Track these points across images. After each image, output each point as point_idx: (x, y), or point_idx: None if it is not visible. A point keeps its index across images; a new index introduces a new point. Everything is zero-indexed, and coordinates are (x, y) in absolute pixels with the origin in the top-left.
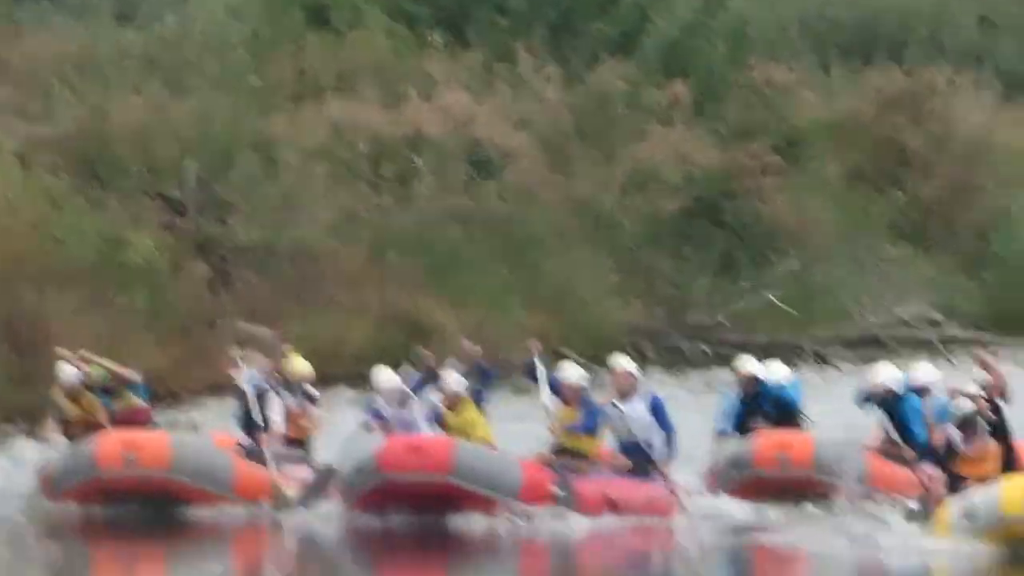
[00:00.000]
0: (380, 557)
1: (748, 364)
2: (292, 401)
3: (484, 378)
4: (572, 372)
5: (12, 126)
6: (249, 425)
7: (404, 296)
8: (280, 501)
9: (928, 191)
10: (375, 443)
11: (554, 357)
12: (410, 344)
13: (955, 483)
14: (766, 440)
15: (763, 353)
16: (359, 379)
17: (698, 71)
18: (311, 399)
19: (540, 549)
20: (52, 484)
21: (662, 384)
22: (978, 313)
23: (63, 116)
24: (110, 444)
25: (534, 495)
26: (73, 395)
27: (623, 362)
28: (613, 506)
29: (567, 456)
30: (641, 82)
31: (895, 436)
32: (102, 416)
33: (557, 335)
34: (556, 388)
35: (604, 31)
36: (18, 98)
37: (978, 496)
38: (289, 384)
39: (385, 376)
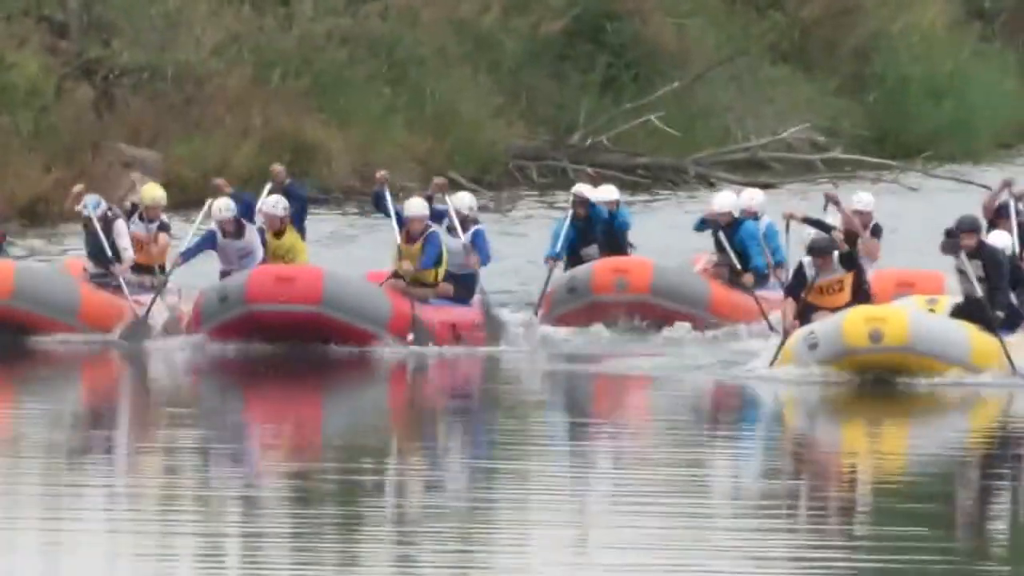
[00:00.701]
0: (244, 385)
1: (580, 187)
2: (142, 228)
3: (295, 199)
4: (416, 204)
5: None
6: (98, 254)
7: (288, 117)
8: (131, 328)
9: (808, 11)
10: (243, 272)
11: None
12: (294, 164)
13: (807, 312)
14: (604, 265)
15: (646, 174)
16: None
17: None
18: (164, 226)
19: (399, 378)
20: None
21: (550, 205)
22: (861, 134)
23: None
24: None
25: (400, 326)
26: None
27: (460, 198)
28: (455, 333)
29: (408, 284)
30: None
31: (735, 261)
32: None
33: (441, 157)
34: (401, 221)
35: None
36: None
37: (821, 326)
38: (143, 211)
39: (222, 203)
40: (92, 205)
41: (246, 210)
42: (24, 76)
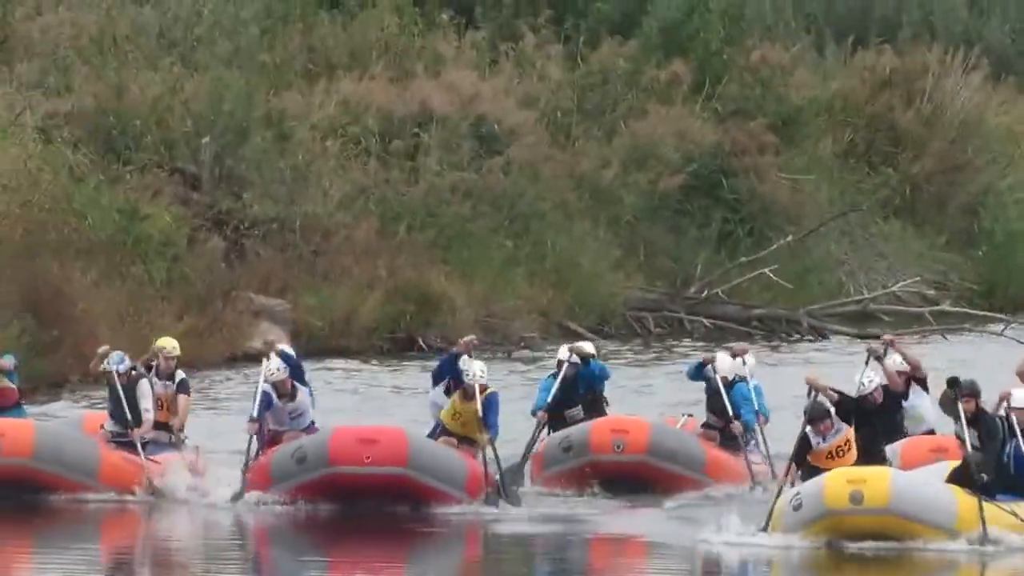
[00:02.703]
0: (303, 546)
1: (577, 345)
2: (161, 387)
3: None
4: (478, 368)
5: (33, 101)
6: (119, 414)
7: (413, 268)
8: (152, 490)
9: (919, 168)
10: (323, 433)
11: (559, 330)
12: (419, 315)
13: (810, 475)
14: (602, 424)
15: (761, 326)
16: (371, 350)
17: (697, 51)
18: (183, 386)
19: (471, 536)
20: None
21: (664, 355)
22: (970, 287)
23: (82, 92)
24: None
25: (475, 487)
26: None
27: (476, 370)
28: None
29: (459, 441)
30: (641, 61)
31: (730, 412)
32: None
33: (561, 308)
34: (459, 378)
35: (605, 11)
36: (38, 74)
37: (805, 487)
38: (159, 369)
39: (274, 365)
40: (115, 361)
41: (296, 371)
42: (157, 227)
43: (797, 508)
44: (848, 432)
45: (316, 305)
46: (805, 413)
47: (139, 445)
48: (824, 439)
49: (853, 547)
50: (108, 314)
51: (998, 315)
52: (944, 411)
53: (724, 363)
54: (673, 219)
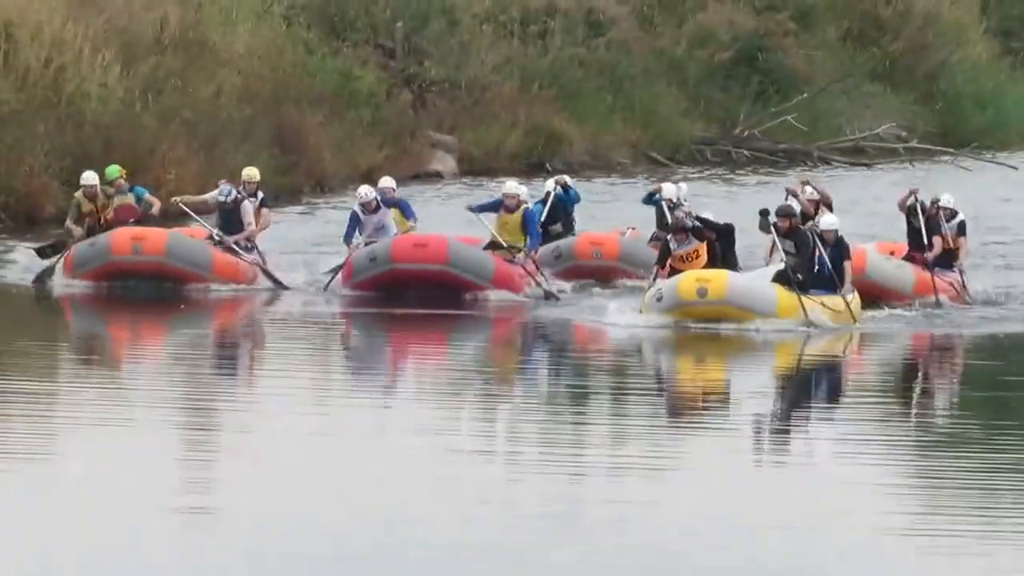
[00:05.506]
0: (386, 322)
1: (550, 181)
2: (247, 203)
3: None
4: (513, 185)
5: None
6: (227, 227)
7: (542, 115)
8: (253, 281)
9: (896, 47)
10: (388, 239)
11: (643, 158)
12: (546, 147)
13: (671, 275)
14: (584, 238)
15: (784, 156)
16: (513, 171)
17: None
18: (264, 202)
19: (504, 320)
20: (74, 266)
21: (716, 176)
22: (931, 131)
23: None
24: (122, 236)
25: (502, 281)
26: (90, 195)
27: (511, 185)
28: (532, 284)
29: (504, 250)
30: None
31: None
32: (109, 211)
33: (645, 143)
34: (497, 205)
35: None
36: None
37: (665, 284)
38: (248, 191)
39: (364, 190)
40: (224, 193)
41: (401, 203)
42: (365, 84)
43: (659, 299)
44: (698, 244)
45: (475, 139)
46: (669, 226)
47: (239, 248)
48: (680, 245)
49: (699, 327)
50: (330, 145)
51: (950, 150)
52: (762, 230)
53: (668, 190)
54: (724, 81)
